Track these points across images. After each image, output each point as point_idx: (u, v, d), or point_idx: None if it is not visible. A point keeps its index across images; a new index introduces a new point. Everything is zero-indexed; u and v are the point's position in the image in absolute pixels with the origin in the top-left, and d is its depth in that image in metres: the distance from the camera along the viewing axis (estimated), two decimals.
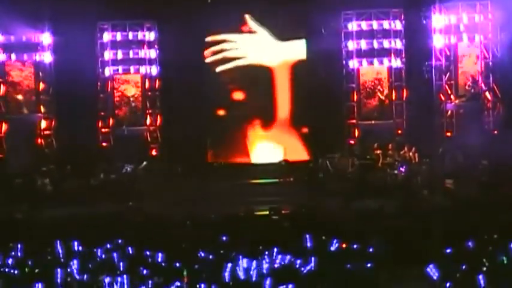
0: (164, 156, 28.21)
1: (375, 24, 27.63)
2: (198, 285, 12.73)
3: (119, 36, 28.42)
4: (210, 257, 14.18)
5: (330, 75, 27.26)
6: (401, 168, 25.27)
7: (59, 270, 13.65)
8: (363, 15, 27.71)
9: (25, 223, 19.33)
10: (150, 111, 28.70)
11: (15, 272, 13.86)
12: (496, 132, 25.91)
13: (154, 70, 28.56)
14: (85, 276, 13.44)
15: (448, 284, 12.38)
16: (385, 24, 27.57)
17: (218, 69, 28.24)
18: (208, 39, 28.26)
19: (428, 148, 25.84)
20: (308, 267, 13.27)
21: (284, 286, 12.35)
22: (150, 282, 12.84)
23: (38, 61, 28.14)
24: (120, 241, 15.36)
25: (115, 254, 14.54)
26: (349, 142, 27.70)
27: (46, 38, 27.95)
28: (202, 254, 14.47)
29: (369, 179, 25.03)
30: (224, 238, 15.41)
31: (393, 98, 27.73)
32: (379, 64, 27.71)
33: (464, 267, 12.78)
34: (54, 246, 15.15)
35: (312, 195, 23.39)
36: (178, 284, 12.72)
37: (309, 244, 14.71)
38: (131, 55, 28.56)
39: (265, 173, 26.77)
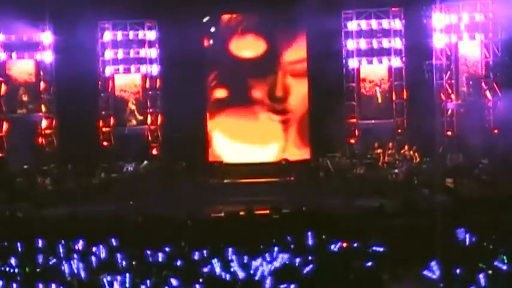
0: (165, 155, 28.24)
1: (374, 24, 27.64)
2: (198, 285, 12.77)
3: (119, 35, 28.45)
4: (210, 256, 14.19)
5: (331, 78, 27.29)
6: (401, 167, 25.33)
7: (59, 269, 13.70)
8: (362, 15, 27.73)
9: (26, 222, 19.35)
10: (150, 110, 28.73)
11: (16, 271, 13.89)
12: (496, 131, 25.90)
13: (155, 69, 28.58)
14: (86, 275, 13.48)
15: (448, 284, 12.40)
16: (385, 24, 27.58)
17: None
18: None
19: (428, 147, 25.84)
20: (308, 267, 13.29)
21: (285, 285, 12.37)
22: (150, 281, 12.89)
23: (39, 60, 28.17)
24: (120, 240, 15.38)
25: (115, 253, 14.57)
26: (349, 141, 27.71)
27: (47, 37, 27.97)
28: (203, 253, 14.50)
29: (370, 178, 25.05)
30: (225, 237, 15.43)
31: (393, 97, 27.75)
32: (379, 63, 27.72)
33: (464, 266, 12.79)
34: (55, 245, 15.19)
35: (312, 195, 23.41)
36: (178, 283, 12.76)
37: (309, 243, 14.74)
38: (132, 54, 28.59)
39: (266, 172, 26.78)
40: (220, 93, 28.50)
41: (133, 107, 28.82)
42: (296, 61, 28.18)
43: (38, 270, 13.97)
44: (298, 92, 28.14)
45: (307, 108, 27.99)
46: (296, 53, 28.22)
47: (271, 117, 28.29)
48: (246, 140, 28.40)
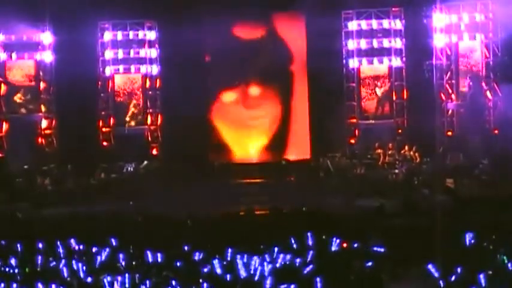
0: (165, 155, 28.23)
1: (375, 24, 27.64)
2: (198, 285, 12.77)
3: (119, 35, 28.44)
4: (211, 256, 14.18)
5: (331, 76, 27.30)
6: (401, 168, 25.31)
7: (59, 269, 13.70)
8: (363, 15, 27.72)
9: (26, 222, 19.34)
10: (150, 110, 28.72)
11: (16, 271, 13.89)
12: (496, 131, 25.89)
13: (155, 69, 28.58)
14: (85, 275, 13.47)
15: (448, 284, 12.40)
16: (385, 24, 27.58)
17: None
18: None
19: (428, 147, 25.82)
20: (308, 267, 13.28)
21: (285, 285, 12.37)
22: (150, 281, 12.88)
23: (38, 60, 28.14)
24: (120, 240, 15.37)
25: (115, 253, 14.56)
26: (349, 141, 27.71)
27: (47, 37, 27.95)
28: (203, 253, 14.49)
29: (370, 178, 25.03)
30: (225, 237, 15.43)
31: (393, 97, 27.75)
32: (379, 63, 27.72)
33: (464, 266, 12.79)
34: (55, 245, 15.18)
35: (312, 195, 23.39)
36: (178, 284, 12.76)
37: (309, 243, 14.73)
38: (132, 54, 28.57)
39: (266, 172, 26.77)
40: (220, 93, 28.49)
41: (133, 107, 28.82)
42: (297, 61, 28.22)
43: (38, 270, 13.97)
44: (299, 92, 28.15)
45: (307, 108, 27.98)
46: (296, 52, 28.26)
47: (271, 117, 28.28)
48: (246, 140, 28.38)
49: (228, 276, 13.01)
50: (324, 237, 15.03)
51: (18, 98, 28.20)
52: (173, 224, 17.67)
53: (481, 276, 12.16)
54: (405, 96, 27.66)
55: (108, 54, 28.38)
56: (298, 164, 27.46)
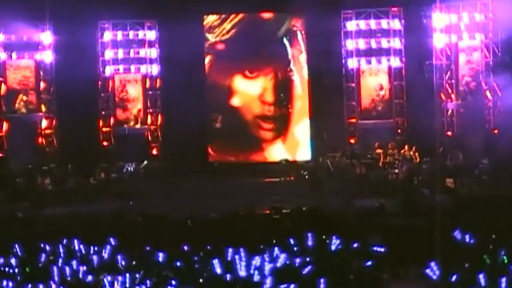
0: (165, 155, 28.24)
1: (374, 24, 27.64)
2: (198, 285, 12.78)
3: (119, 35, 28.45)
4: (210, 256, 14.19)
5: (331, 77, 27.34)
6: (401, 167, 25.30)
7: (59, 269, 13.70)
8: (362, 15, 27.73)
9: (26, 222, 19.34)
10: (150, 110, 28.74)
11: (16, 270, 13.90)
12: (496, 131, 25.89)
13: (155, 69, 28.58)
14: (85, 275, 13.48)
15: (448, 284, 12.41)
16: (385, 24, 27.59)
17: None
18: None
19: (428, 147, 25.80)
20: (308, 267, 13.29)
21: (285, 285, 12.38)
22: (150, 281, 12.89)
23: (38, 60, 28.14)
24: (120, 240, 15.38)
25: (115, 253, 14.57)
26: (349, 141, 27.71)
27: (47, 37, 27.95)
28: (203, 253, 14.49)
29: (370, 178, 25.03)
30: (225, 237, 15.43)
31: (393, 97, 27.75)
32: (378, 63, 27.74)
33: (464, 266, 12.80)
34: (55, 245, 15.19)
35: (312, 195, 23.40)
36: (178, 283, 12.77)
37: (309, 243, 14.74)
38: (132, 54, 28.59)
39: (266, 172, 26.78)
40: (220, 92, 28.51)
41: (133, 107, 28.82)
42: (297, 61, 28.22)
43: (38, 270, 13.97)
44: (299, 91, 28.16)
45: (308, 108, 27.99)
46: (295, 53, 28.27)
47: (271, 117, 28.30)
48: (246, 140, 28.37)
49: (228, 276, 13.02)
50: (324, 237, 15.04)
51: (18, 98, 28.20)
52: (173, 224, 17.68)
53: (481, 276, 12.16)
54: (405, 96, 27.67)
55: (108, 54, 28.40)
56: (298, 164, 27.47)
